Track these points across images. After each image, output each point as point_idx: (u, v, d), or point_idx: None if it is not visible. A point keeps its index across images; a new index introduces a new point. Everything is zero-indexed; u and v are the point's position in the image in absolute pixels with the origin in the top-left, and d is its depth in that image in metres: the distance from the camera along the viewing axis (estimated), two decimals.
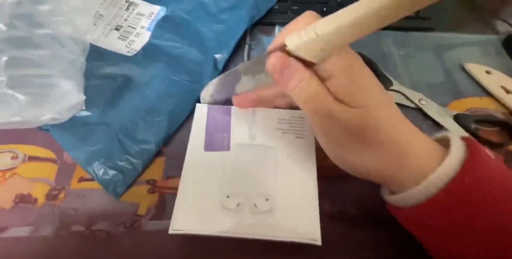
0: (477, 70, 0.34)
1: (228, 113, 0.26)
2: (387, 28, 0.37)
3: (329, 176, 0.24)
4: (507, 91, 0.32)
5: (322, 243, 0.20)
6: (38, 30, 0.26)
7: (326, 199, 0.25)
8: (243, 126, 0.26)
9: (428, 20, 0.39)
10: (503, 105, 0.32)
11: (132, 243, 0.24)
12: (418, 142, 0.20)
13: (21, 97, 0.22)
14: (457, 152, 0.18)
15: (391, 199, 0.21)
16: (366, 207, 0.26)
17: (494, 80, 0.33)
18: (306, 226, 0.21)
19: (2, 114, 0.21)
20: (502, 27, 0.40)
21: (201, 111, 0.27)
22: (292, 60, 0.18)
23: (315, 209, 0.22)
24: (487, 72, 0.34)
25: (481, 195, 0.18)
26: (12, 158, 0.28)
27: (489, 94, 0.33)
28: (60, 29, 0.28)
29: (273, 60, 0.18)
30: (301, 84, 0.18)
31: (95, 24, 0.35)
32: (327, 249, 0.21)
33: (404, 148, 0.19)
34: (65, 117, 0.25)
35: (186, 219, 0.21)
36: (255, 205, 0.22)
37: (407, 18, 0.40)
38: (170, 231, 0.20)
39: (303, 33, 0.17)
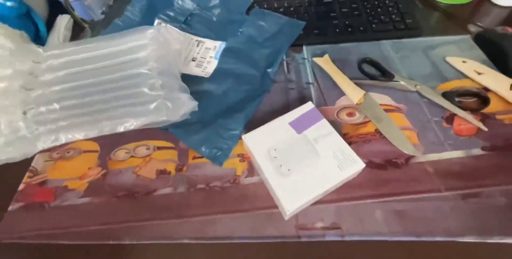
0: (456, 61, 0.47)
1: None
2: (385, 38, 0.52)
3: None
4: (479, 73, 0.45)
5: None
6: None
7: None
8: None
9: (416, 30, 0.52)
10: (477, 83, 0.45)
11: (237, 192, 0.38)
12: None
13: (168, 104, 0.36)
14: None
15: None
16: None
17: (468, 66, 0.46)
18: None
19: (157, 115, 0.36)
20: (473, 28, 0.53)
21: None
22: None
23: None
24: (463, 62, 0.47)
25: None
26: (147, 149, 0.42)
27: (466, 77, 0.46)
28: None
29: None
30: None
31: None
32: None
33: None
34: (185, 116, 0.40)
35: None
36: None
37: (398, 29, 0.54)
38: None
39: None
